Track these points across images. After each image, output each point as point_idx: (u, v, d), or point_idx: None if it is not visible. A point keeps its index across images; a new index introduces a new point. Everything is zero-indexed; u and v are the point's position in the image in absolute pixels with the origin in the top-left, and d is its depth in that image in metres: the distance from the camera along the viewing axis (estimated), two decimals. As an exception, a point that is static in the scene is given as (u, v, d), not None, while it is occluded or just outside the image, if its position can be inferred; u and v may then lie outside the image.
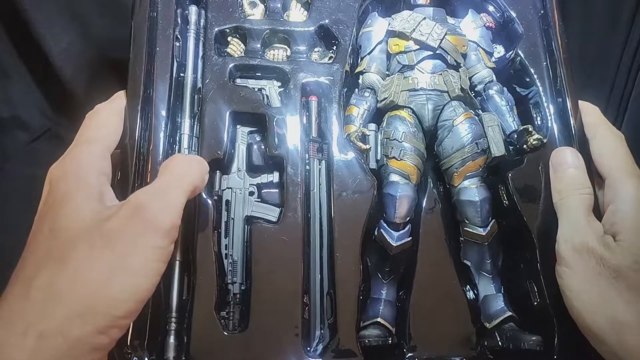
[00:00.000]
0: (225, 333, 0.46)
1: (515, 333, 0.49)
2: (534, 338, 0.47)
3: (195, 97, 0.53)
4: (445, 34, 0.54)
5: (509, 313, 0.50)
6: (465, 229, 0.52)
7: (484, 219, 0.52)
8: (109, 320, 0.37)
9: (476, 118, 0.54)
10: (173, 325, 0.45)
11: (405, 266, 0.53)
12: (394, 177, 0.52)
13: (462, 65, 0.56)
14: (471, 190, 0.52)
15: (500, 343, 0.49)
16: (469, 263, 0.53)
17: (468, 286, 0.53)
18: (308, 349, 0.47)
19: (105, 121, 0.47)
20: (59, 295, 0.37)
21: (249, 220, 0.51)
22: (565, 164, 0.50)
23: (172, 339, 0.45)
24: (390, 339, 0.50)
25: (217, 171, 0.52)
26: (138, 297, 0.38)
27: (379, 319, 0.50)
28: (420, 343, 0.50)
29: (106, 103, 0.49)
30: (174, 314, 0.46)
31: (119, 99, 0.49)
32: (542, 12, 0.57)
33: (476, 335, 0.51)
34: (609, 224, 0.46)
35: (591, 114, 0.52)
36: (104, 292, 0.37)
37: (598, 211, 0.48)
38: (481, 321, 0.51)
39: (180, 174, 0.43)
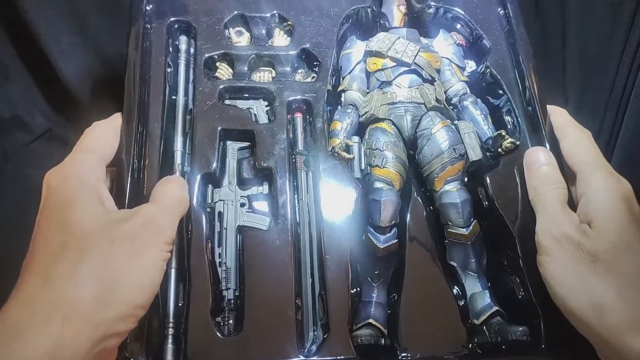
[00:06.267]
0: (221, 336, 0.47)
1: (502, 326, 0.50)
2: (520, 329, 0.49)
3: (187, 117, 0.56)
4: (419, 51, 0.58)
5: (496, 308, 0.52)
6: (449, 230, 0.55)
7: (465, 220, 0.54)
8: (130, 307, 0.40)
9: (452, 126, 0.57)
10: (170, 330, 0.47)
11: (393, 269, 0.55)
12: (377, 184, 0.55)
13: (436, 79, 0.59)
14: (452, 193, 0.55)
15: (489, 338, 0.51)
16: (454, 263, 0.54)
17: (455, 286, 0.55)
18: (302, 349, 0.48)
19: (101, 135, 0.50)
20: (82, 282, 0.39)
21: (241, 229, 0.53)
22: (538, 162, 0.52)
23: (169, 343, 0.46)
24: (382, 339, 0.51)
25: (210, 185, 0.54)
26: (152, 289, 0.43)
27: (370, 320, 0.51)
28: (412, 344, 0.51)
29: (103, 121, 0.52)
30: (171, 319, 0.47)
31: (115, 119, 0.52)
32: (507, 28, 0.61)
33: (466, 333, 0.52)
34: (583, 213, 0.49)
35: (559, 116, 0.55)
36: (125, 281, 0.40)
37: (572, 206, 0.50)
38: (470, 319, 0.53)
39: (177, 201, 0.48)
